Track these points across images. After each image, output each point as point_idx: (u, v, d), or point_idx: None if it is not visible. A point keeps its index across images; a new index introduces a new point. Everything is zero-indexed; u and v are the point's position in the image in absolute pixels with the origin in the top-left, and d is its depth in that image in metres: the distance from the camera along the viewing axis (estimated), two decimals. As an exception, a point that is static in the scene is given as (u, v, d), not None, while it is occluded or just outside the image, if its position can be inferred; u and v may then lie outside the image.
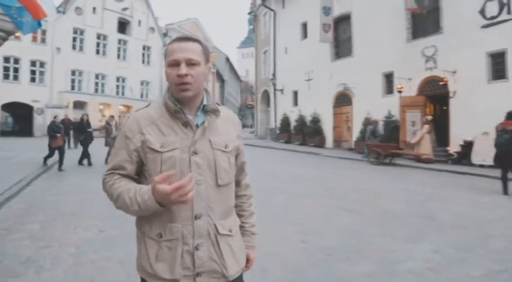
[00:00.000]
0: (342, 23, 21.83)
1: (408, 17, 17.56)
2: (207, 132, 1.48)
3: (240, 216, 1.72)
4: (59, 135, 11.80)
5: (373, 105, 18.83)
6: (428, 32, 16.67)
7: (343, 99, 21.92)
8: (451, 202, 7.74)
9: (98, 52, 33.66)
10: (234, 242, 1.57)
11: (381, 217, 6.35)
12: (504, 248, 4.78)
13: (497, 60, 14.13)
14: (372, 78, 19.17)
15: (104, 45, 34.01)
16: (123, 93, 35.62)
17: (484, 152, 13.40)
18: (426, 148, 15.19)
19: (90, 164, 12.79)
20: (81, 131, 13.61)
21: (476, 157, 13.83)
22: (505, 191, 8.66)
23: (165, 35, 40.71)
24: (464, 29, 14.92)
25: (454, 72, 15.23)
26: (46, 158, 11.97)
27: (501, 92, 13.67)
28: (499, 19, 13.96)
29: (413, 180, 11.10)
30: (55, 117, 12.93)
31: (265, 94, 31.45)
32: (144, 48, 37.63)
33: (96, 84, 33.51)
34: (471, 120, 14.29)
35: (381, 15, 18.58)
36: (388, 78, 18.56)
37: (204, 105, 1.51)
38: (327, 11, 21.14)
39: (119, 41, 35.26)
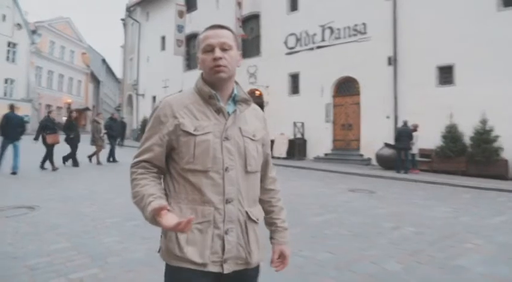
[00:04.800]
0: (193, 39, 24.78)
1: (240, 40, 21.20)
2: (237, 120, 1.50)
3: (270, 212, 1.69)
4: (52, 132, 11.34)
5: (213, 110, 22.07)
6: (252, 53, 20.44)
7: (191, 105, 24.85)
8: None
9: (-47, 46, 31.34)
10: (259, 230, 1.57)
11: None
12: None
13: (294, 79, 18.37)
14: (212, 88, 22.42)
15: (-40, 39, 31.84)
16: (-17, 90, 33.63)
17: (281, 148, 17.44)
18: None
19: (76, 164, 12.42)
20: (71, 129, 12.40)
21: (276, 151, 17.75)
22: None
23: (34, 32, 39.13)
24: (275, 54, 18.94)
25: (267, 86, 19.17)
26: (46, 159, 11.44)
27: (296, 103, 17.89)
28: (295, 49, 18.23)
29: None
30: (49, 112, 11.86)
31: (131, 97, 33.14)
32: (9, 45, 35.76)
33: (-50, 79, 31.09)
34: (277, 124, 18.23)
35: (220, 37, 21.86)
36: (226, 88, 21.98)
37: (235, 95, 1.53)
38: (180, 28, 23.82)
39: (-21, 36, 33.14)
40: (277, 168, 11.22)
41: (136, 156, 1.51)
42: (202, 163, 1.41)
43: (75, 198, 7.45)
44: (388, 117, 14.83)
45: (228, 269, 1.44)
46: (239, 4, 20.05)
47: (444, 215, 6.92)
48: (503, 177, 11.84)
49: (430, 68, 13.83)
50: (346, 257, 4.42)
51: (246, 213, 1.51)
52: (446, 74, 13.58)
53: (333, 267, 4.07)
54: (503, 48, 12.03)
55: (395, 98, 14.62)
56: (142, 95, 29.84)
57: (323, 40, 17.13)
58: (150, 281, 3.51)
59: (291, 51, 18.37)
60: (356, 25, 15.95)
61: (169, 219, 1.28)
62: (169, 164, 1.49)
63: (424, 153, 13.37)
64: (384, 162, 13.70)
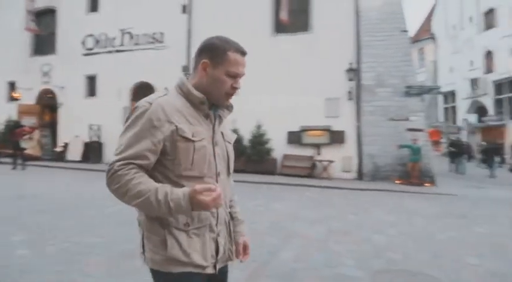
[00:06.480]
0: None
1: (32, 35, 19.43)
2: (220, 125, 1.54)
3: (230, 206, 1.69)
4: None
5: (-2, 110, 19.55)
6: (46, 51, 18.90)
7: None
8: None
9: None
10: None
11: None
12: None
13: (92, 81, 17.80)
14: (-4, 85, 19.93)
15: None
16: None
17: (76, 151, 16.70)
18: (36, 148, 17.22)
19: None
20: None
21: (70, 154, 16.90)
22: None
23: None
24: (72, 54, 17.97)
25: (63, 87, 18.10)
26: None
27: (93, 105, 17.33)
28: (94, 51, 17.79)
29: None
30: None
31: None
32: None
33: None
34: (72, 126, 17.39)
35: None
36: (12, 86, 19.73)
37: None
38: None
39: None
40: (68, 172, 10.91)
41: (122, 157, 1.33)
42: (199, 169, 1.41)
43: None
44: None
45: (218, 269, 1.49)
46: (31, -5, 18.42)
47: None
48: (272, 172, 14.09)
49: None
50: (113, 240, 4.98)
51: (230, 213, 1.62)
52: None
53: (102, 249, 4.60)
54: (275, 67, 14.31)
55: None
56: None
57: (122, 44, 17.15)
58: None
59: (89, 53, 17.77)
60: (154, 33, 16.55)
61: (205, 196, 1.28)
62: (157, 169, 1.41)
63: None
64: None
